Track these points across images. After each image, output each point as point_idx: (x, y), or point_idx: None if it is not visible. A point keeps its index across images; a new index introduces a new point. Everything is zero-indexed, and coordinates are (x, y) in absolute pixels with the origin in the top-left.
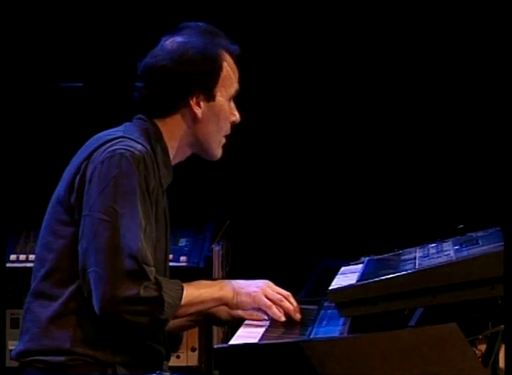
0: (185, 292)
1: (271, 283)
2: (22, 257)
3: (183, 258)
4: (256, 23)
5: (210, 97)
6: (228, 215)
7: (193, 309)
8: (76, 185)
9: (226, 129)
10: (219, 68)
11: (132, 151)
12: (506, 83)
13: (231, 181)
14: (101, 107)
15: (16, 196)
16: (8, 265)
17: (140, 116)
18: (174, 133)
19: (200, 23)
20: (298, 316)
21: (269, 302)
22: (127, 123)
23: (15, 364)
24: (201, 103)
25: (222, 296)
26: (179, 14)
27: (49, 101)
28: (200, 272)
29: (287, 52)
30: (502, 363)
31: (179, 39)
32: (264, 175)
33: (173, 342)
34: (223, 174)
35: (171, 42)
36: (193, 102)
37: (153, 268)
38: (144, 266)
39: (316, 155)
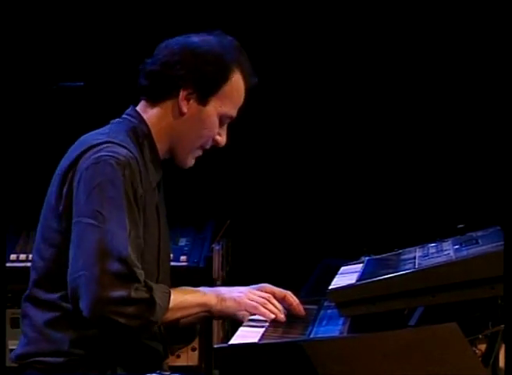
0: (172, 296)
1: (251, 289)
2: (22, 257)
3: (183, 257)
4: (256, 21)
5: (202, 100)
6: (228, 215)
7: (178, 314)
8: (64, 194)
9: (206, 141)
10: (224, 79)
11: (117, 157)
12: (505, 84)
13: (231, 181)
14: (101, 107)
15: (15, 196)
16: (8, 264)
17: (130, 111)
18: (159, 123)
19: (236, 41)
20: (283, 318)
21: (255, 303)
22: (115, 121)
23: (15, 364)
24: (191, 101)
25: (205, 302)
26: (179, 14)
27: (50, 101)
28: (200, 272)
29: (287, 52)
30: (502, 363)
31: (206, 36)
32: (264, 175)
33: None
34: (223, 174)
35: (198, 35)
36: (182, 95)
37: (142, 271)
38: (135, 269)
39: (316, 156)
